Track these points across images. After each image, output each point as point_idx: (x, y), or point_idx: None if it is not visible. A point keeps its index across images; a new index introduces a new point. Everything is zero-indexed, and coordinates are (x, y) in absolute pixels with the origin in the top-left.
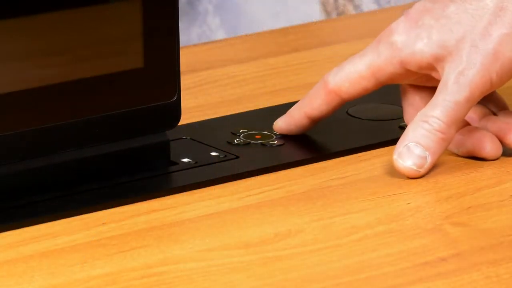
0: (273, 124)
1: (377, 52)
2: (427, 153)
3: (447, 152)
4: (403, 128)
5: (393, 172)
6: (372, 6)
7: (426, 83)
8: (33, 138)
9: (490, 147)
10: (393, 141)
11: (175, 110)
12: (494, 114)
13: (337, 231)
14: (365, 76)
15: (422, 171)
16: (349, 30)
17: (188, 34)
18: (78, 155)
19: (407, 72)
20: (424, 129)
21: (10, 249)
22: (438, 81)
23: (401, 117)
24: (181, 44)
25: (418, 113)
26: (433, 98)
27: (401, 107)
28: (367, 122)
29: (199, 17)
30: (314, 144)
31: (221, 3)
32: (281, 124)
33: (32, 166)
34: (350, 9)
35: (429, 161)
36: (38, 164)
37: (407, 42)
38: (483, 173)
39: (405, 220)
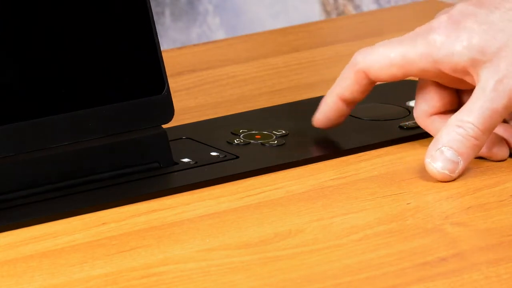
0: (312, 120)
1: (414, 45)
2: (460, 158)
3: None
4: (403, 128)
5: (393, 172)
6: (372, 6)
7: (452, 85)
8: (24, 131)
9: (498, 148)
10: (393, 141)
11: (167, 104)
12: (505, 121)
13: (337, 231)
14: (395, 64)
15: (454, 176)
16: (349, 30)
17: (188, 34)
18: (75, 153)
19: (438, 72)
20: (458, 134)
21: (10, 249)
22: (465, 85)
23: (401, 117)
24: (181, 44)
25: (452, 117)
26: (469, 102)
27: (401, 106)
28: (367, 122)
29: (199, 17)
30: (314, 144)
31: (221, 3)
32: (318, 116)
33: (26, 161)
34: (350, 9)
35: (461, 166)
36: (35, 160)
37: (446, 43)
38: (483, 173)
39: (405, 220)
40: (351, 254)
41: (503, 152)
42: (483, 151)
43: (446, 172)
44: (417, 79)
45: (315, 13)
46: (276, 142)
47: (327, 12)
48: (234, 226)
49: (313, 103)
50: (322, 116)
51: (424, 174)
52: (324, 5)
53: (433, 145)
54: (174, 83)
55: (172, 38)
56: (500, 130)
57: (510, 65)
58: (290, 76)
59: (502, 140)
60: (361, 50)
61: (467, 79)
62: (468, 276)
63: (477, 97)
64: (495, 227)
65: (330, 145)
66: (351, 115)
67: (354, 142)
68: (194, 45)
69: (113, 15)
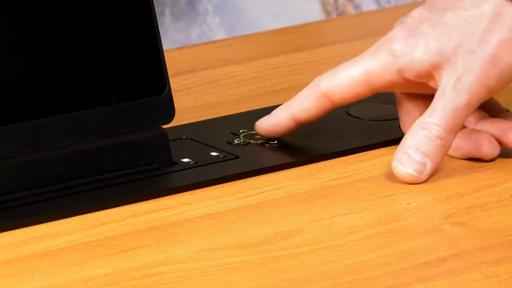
0: (255, 124)
1: (375, 58)
2: (427, 159)
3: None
4: None
5: (393, 172)
6: (372, 6)
7: (421, 91)
8: (25, 132)
9: (487, 146)
10: (393, 141)
11: (168, 104)
12: (491, 117)
13: (337, 231)
14: (360, 82)
15: (422, 177)
16: (349, 30)
17: (188, 34)
18: (76, 153)
19: (404, 81)
20: (423, 135)
21: (10, 249)
22: (433, 89)
23: None
24: (181, 44)
25: (417, 120)
26: (431, 105)
27: None
28: (367, 122)
29: (199, 17)
30: (314, 144)
31: (221, 3)
32: (266, 124)
33: (28, 162)
34: (350, 9)
35: (429, 167)
36: (35, 160)
37: (406, 51)
38: (483, 173)
39: (405, 220)
40: (351, 254)
41: (493, 150)
42: (473, 152)
43: (415, 173)
44: None
45: (315, 13)
46: (276, 142)
47: (327, 12)
48: (234, 226)
49: None
50: (269, 127)
51: None
52: (324, 5)
53: (399, 149)
54: (174, 83)
55: (172, 38)
56: (488, 125)
57: (467, 62)
58: (290, 76)
59: (490, 138)
60: (322, 75)
61: (432, 83)
62: (468, 276)
63: (438, 98)
64: (495, 227)
65: (330, 145)
66: (351, 115)
67: (354, 142)
68: (194, 45)
69: (116, 16)
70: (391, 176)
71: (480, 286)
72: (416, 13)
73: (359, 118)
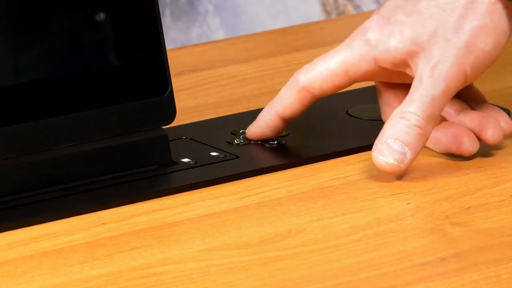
0: (246, 131)
1: (351, 49)
2: (407, 148)
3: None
4: None
5: None
6: (372, 6)
7: (399, 80)
8: (26, 133)
9: (467, 143)
10: None
11: (169, 105)
12: (473, 108)
13: (337, 231)
14: (338, 73)
15: (403, 166)
16: (349, 30)
17: (188, 34)
18: (76, 153)
19: (380, 70)
20: (402, 125)
21: (10, 249)
22: (410, 78)
23: None
24: (181, 44)
25: (395, 110)
26: (408, 94)
27: None
28: (367, 122)
29: (199, 17)
30: (314, 144)
31: (221, 3)
32: (254, 129)
33: (29, 162)
34: (350, 9)
35: (409, 156)
36: (36, 161)
37: (380, 39)
38: (483, 173)
39: (405, 220)
40: (351, 254)
41: (473, 147)
42: (453, 148)
43: (395, 163)
44: None
45: (315, 13)
46: (276, 142)
47: (327, 12)
48: (234, 226)
49: (313, 103)
50: (258, 130)
51: (424, 173)
52: (324, 5)
53: (378, 139)
54: (174, 83)
55: (172, 38)
56: (466, 119)
57: (442, 49)
58: (290, 76)
59: (471, 135)
60: (301, 68)
61: (408, 71)
62: (468, 276)
63: (415, 87)
64: (495, 227)
65: (330, 145)
66: (351, 115)
67: (354, 142)
68: (194, 45)
69: (119, 17)
70: (391, 176)
71: (480, 286)
72: (391, 2)
73: (359, 118)
